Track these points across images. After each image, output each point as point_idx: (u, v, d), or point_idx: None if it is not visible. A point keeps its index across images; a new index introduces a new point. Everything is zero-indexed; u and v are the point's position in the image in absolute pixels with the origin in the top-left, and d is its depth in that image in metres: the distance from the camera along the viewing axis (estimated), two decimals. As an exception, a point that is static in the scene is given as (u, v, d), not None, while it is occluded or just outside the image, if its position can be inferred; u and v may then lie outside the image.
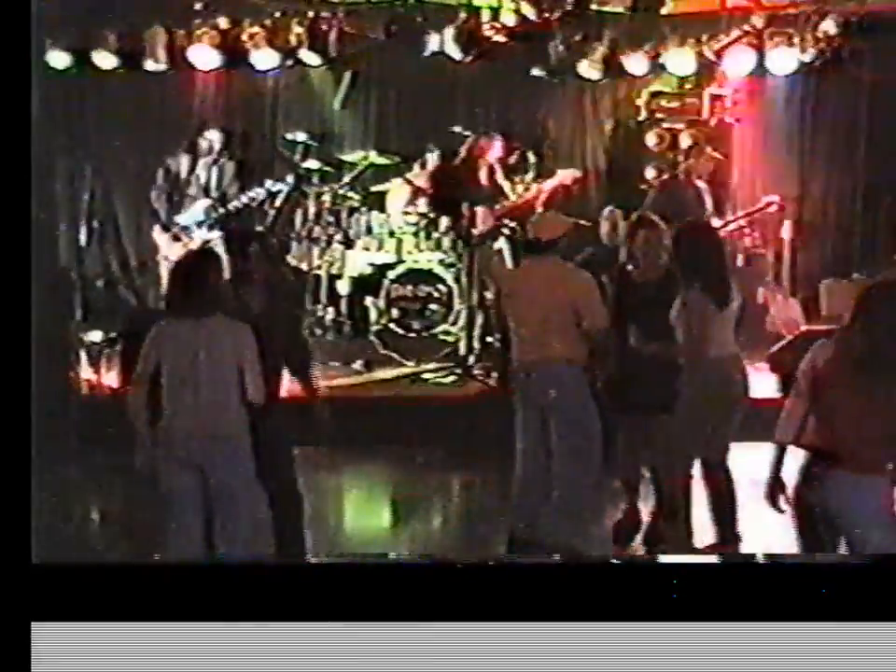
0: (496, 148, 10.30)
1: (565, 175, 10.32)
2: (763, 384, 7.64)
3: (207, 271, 5.32)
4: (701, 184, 10.10)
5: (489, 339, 9.74)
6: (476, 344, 9.81)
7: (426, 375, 9.63)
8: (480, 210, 9.94)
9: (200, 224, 10.51)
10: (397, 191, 10.65)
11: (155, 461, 5.30)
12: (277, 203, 10.64)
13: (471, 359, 9.67)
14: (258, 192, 10.46)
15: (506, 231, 9.94)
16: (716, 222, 9.73)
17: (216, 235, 10.48)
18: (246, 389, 5.15)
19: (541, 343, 6.11)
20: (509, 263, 9.60)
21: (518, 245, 9.49)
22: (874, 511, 4.41)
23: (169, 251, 10.53)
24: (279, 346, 5.49)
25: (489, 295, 9.86)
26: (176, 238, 10.52)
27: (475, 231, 9.93)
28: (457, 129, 10.80)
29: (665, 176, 10.30)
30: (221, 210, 10.52)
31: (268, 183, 10.51)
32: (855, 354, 4.39)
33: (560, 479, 6.11)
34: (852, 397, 4.39)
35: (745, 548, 6.00)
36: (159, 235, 10.60)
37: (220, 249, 10.18)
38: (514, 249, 9.74)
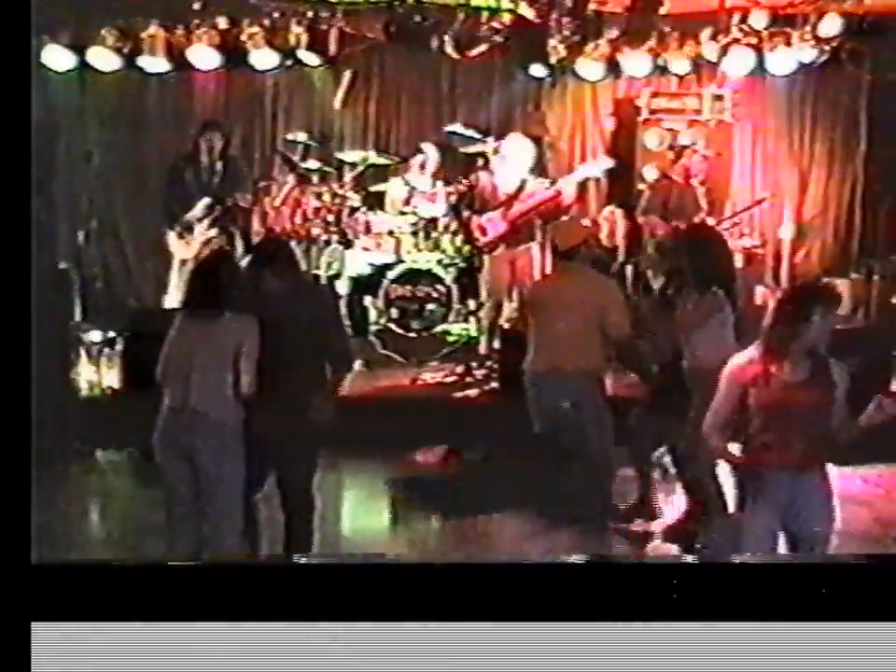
0: (527, 155, 10.29)
1: (591, 167, 10.37)
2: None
3: (221, 272, 5.48)
4: (696, 184, 10.09)
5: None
6: (483, 349, 9.86)
7: (427, 375, 9.64)
8: (492, 215, 9.95)
9: (200, 220, 10.51)
10: (396, 192, 10.65)
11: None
12: (277, 202, 10.64)
13: (475, 363, 9.68)
14: (252, 193, 10.50)
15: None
16: (710, 221, 9.74)
17: (215, 233, 10.48)
18: (239, 379, 5.24)
19: (560, 351, 6.08)
20: (536, 268, 9.63)
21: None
22: (812, 506, 4.49)
23: (174, 250, 10.53)
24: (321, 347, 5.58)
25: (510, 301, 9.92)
26: (180, 236, 10.52)
27: (486, 238, 9.94)
28: (457, 129, 10.82)
29: (660, 177, 10.29)
30: (220, 208, 10.53)
31: (261, 184, 10.55)
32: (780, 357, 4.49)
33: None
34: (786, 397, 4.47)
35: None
36: (172, 240, 10.58)
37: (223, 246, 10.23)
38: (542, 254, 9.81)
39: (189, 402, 5.30)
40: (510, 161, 10.10)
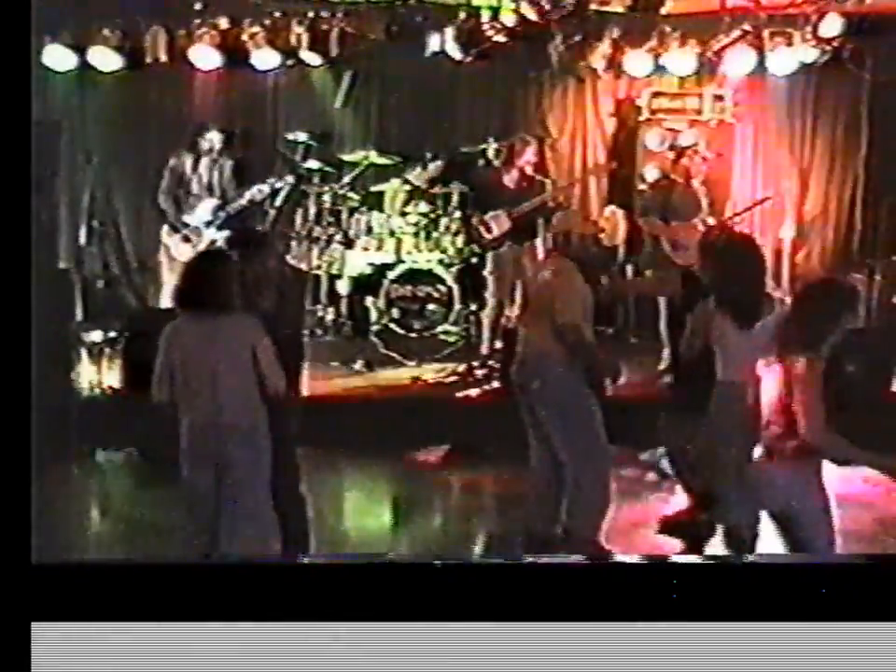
0: (529, 153, 10.31)
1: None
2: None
3: (218, 269, 5.39)
4: (696, 185, 10.09)
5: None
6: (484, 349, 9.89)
7: (428, 376, 9.64)
8: (496, 214, 9.97)
9: (208, 224, 10.52)
10: (396, 191, 10.66)
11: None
12: (278, 202, 10.65)
13: (476, 362, 9.69)
14: (260, 189, 10.49)
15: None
16: (710, 221, 9.74)
17: (223, 235, 10.50)
18: (264, 382, 5.19)
19: (535, 338, 6.11)
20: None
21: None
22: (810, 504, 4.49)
23: (178, 253, 10.54)
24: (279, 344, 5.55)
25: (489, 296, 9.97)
26: (186, 239, 10.53)
27: (490, 236, 9.96)
28: (457, 129, 10.84)
29: (659, 177, 10.29)
30: (226, 210, 10.56)
31: (270, 180, 10.54)
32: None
33: (567, 474, 6.07)
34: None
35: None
36: (168, 237, 10.60)
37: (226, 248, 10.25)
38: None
39: (220, 415, 5.21)
40: (514, 161, 10.14)
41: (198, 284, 5.36)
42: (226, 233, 10.43)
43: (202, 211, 10.55)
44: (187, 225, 10.54)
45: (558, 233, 6.35)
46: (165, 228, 10.63)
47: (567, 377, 6.00)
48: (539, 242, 9.94)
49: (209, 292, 5.27)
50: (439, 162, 10.61)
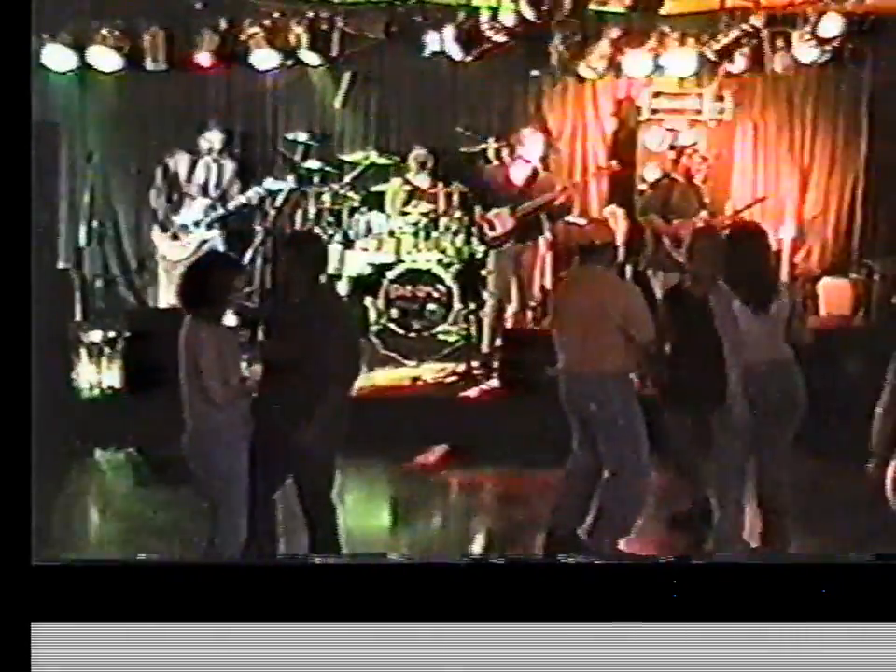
0: (538, 147, 10.30)
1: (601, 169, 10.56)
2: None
3: (206, 272, 5.35)
4: (697, 183, 10.08)
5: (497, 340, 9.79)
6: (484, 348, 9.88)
7: (428, 376, 9.64)
8: (499, 212, 9.96)
9: (198, 223, 10.53)
10: (396, 191, 10.67)
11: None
12: (278, 202, 10.65)
13: (476, 362, 9.69)
14: (257, 191, 10.50)
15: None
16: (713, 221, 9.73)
17: (214, 234, 10.52)
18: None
19: (583, 353, 6.01)
20: (539, 263, 9.72)
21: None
22: None
23: (167, 251, 10.56)
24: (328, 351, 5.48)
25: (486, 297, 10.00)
26: (175, 237, 10.55)
27: (493, 234, 9.96)
28: (458, 129, 10.83)
29: (659, 177, 10.28)
30: (221, 210, 10.57)
31: (267, 181, 10.53)
32: None
33: (609, 487, 6.02)
34: None
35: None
36: (157, 235, 10.65)
37: (220, 248, 10.28)
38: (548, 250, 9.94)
39: (191, 419, 5.23)
40: (522, 155, 10.14)
41: (186, 284, 5.34)
42: (216, 232, 10.50)
43: (193, 210, 10.57)
44: (176, 224, 10.57)
45: (584, 245, 6.22)
46: (156, 226, 10.68)
47: (621, 397, 5.98)
48: (541, 241, 9.99)
49: (191, 295, 5.25)
50: (423, 151, 10.65)
